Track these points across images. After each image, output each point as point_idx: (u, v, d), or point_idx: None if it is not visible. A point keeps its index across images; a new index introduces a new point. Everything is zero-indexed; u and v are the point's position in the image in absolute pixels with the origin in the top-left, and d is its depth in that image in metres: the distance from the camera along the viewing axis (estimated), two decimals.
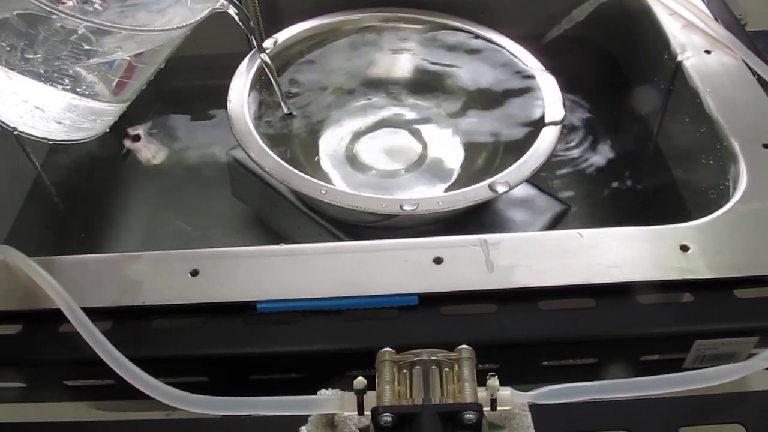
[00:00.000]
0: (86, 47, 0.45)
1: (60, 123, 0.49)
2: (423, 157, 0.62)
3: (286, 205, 0.58)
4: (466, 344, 0.34)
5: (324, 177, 0.60)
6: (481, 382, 0.33)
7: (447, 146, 0.63)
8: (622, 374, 0.40)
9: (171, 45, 0.49)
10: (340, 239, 0.55)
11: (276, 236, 0.63)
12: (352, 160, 0.62)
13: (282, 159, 0.53)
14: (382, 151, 0.63)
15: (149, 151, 0.71)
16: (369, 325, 0.41)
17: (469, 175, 0.59)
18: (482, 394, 0.33)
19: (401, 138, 0.64)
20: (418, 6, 0.66)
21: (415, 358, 0.35)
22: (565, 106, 0.57)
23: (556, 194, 0.59)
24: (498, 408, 0.33)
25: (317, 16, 0.66)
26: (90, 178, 0.68)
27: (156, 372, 0.36)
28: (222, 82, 0.59)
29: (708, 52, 0.57)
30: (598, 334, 0.41)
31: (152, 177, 0.71)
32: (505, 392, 0.33)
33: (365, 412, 0.33)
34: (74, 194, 0.66)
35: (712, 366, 0.36)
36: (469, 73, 0.65)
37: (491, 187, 0.51)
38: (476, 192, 0.51)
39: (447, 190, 0.58)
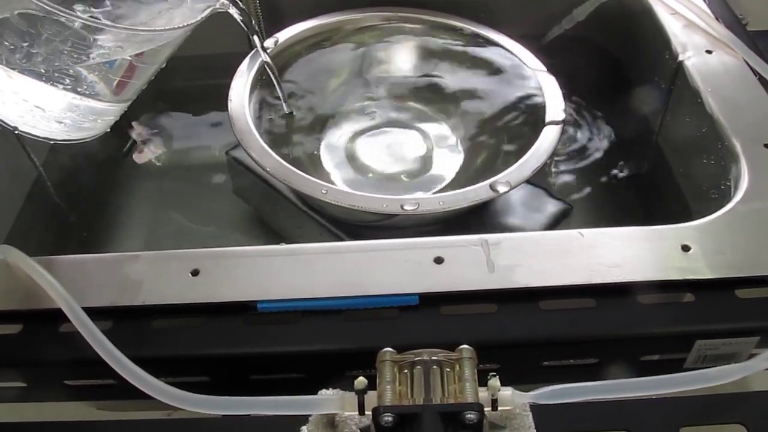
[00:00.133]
0: (87, 47, 0.45)
1: (61, 122, 0.49)
2: (423, 156, 0.62)
3: (286, 204, 0.58)
4: (467, 344, 0.34)
5: (324, 176, 0.60)
6: (482, 382, 0.33)
7: (447, 146, 0.63)
8: (622, 374, 0.40)
9: (172, 45, 0.49)
10: (340, 239, 0.55)
11: (276, 236, 0.63)
12: (352, 160, 0.62)
13: (282, 159, 0.53)
14: (382, 151, 0.63)
15: (150, 150, 0.71)
16: (369, 325, 0.41)
17: (470, 174, 0.59)
18: (483, 394, 0.33)
19: (402, 138, 0.64)
20: (419, 5, 0.66)
21: (416, 358, 0.35)
22: (565, 105, 0.57)
23: (557, 194, 0.59)
24: (499, 408, 0.33)
25: (318, 15, 0.66)
26: (90, 178, 0.67)
27: (156, 372, 0.36)
28: (223, 81, 0.59)
29: (709, 51, 0.57)
30: (599, 334, 0.41)
31: (152, 177, 0.71)
32: (506, 392, 0.33)
33: (366, 412, 0.33)
34: (74, 194, 0.66)
35: (713, 366, 0.36)
36: (469, 73, 0.65)
37: (492, 187, 0.50)
38: (477, 192, 0.51)
39: (447, 190, 0.58)
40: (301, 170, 0.52)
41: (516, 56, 0.62)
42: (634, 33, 0.66)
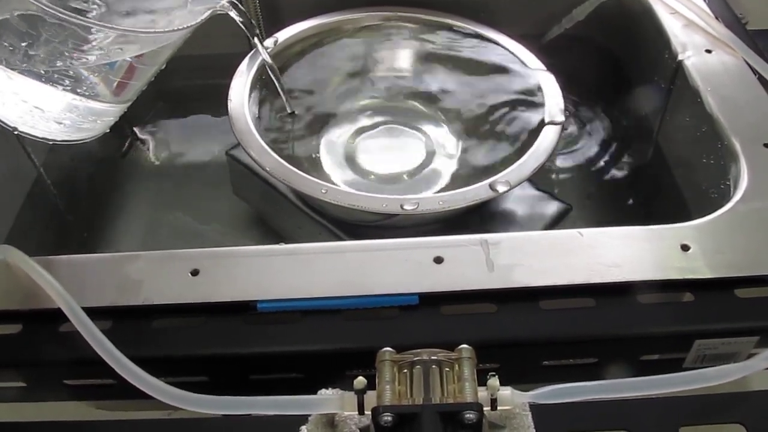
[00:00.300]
0: (87, 48, 0.45)
1: (60, 123, 0.49)
2: (423, 156, 0.62)
3: (286, 204, 0.58)
4: (467, 344, 0.34)
5: (324, 176, 0.60)
6: (482, 381, 0.33)
7: (447, 145, 0.63)
8: (622, 374, 0.40)
9: (172, 46, 0.50)
10: (340, 239, 0.55)
11: (276, 236, 0.63)
12: (351, 159, 0.62)
13: (282, 158, 0.53)
14: (382, 151, 0.63)
15: (149, 150, 0.72)
16: (369, 324, 0.41)
17: (469, 174, 0.59)
18: (483, 393, 0.33)
19: (401, 137, 0.64)
20: (419, 5, 0.66)
21: (416, 358, 0.35)
22: (565, 105, 0.57)
23: (557, 194, 0.59)
24: (498, 408, 0.33)
25: (318, 15, 0.66)
26: (90, 178, 0.68)
27: (156, 371, 0.36)
28: (222, 81, 0.59)
29: (709, 51, 0.57)
30: (599, 333, 0.41)
31: (152, 177, 0.71)
32: (506, 392, 0.33)
33: (365, 412, 0.33)
34: (74, 194, 0.66)
35: (713, 366, 0.36)
36: (469, 73, 0.65)
37: (492, 187, 0.51)
38: (476, 191, 0.51)
39: (446, 189, 0.58)
40: (301, 170, 0.52)
41: (516, 56, 0.62)
42: (634, 32, 0.66)
